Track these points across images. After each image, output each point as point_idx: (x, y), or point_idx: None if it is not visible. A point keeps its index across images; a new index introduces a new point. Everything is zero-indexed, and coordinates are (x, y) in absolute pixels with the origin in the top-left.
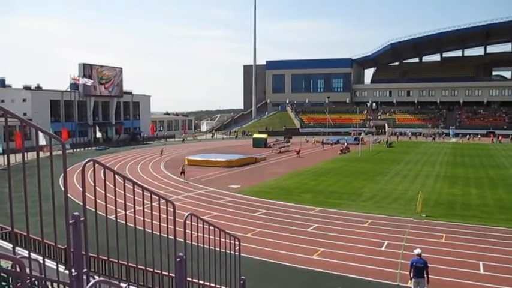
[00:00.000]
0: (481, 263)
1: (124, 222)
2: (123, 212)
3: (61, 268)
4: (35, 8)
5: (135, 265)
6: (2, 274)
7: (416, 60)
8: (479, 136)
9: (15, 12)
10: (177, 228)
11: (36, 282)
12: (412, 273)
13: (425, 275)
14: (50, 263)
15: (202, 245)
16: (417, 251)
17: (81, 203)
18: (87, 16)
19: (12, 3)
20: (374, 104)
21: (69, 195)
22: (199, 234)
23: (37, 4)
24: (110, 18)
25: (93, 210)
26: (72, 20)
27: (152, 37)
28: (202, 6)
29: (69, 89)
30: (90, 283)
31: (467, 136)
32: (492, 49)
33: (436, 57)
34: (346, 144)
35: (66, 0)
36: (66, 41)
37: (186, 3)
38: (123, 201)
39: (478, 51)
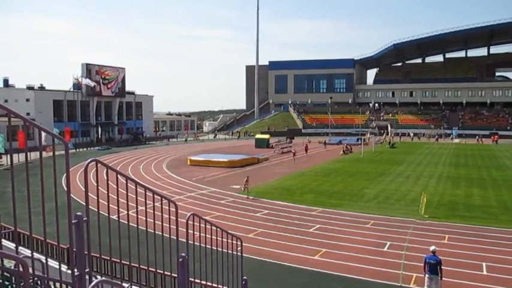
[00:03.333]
0: (483, 264)
1: (126, 222)
2: (126, 212)
3: (64, 268)
4: (38, 8)
5: (137, 265)
6: (5, 274)
7: (419, 60)
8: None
9: (17, 13)
10: (179, 228)
11: (38, 282)
12: (426, 269)
13: (438, 272)
14: (53, 263)
15: (204, 245)
16: (432, 248)
17: (84, 203)
18: (90, 16)
19: (15, 3)
20: (377, 105)
21: (72, 195)
22: (201, 234)
23: (40, 5)
24: (113, 19)
25: (96, 210)
26: (75, 20)
27: (155, 37)
28: (205, 7)
29: (72, 89)
30: (93, 283)
31: (477, 137)
32: (495, 50)
33: (439, 58)
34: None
35: (69, 1)
36: (69, 41)
37: (189, 3)
38: (125, 201)
39: (481, 51)
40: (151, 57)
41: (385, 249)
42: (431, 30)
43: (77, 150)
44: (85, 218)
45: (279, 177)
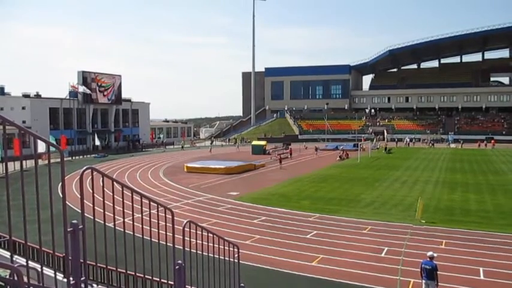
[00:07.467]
0: (481, 268)
1: (122, 230)
2: (122, 220)
3: (59, 276)
4: (34, 15)
5: (133, 273)
6: (0, 283)
7: (415, 66)
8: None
9: (14, 20)
10: (175, 235)
11: None
12: (422, 275)
13: (435, 278)
14: (48, 272)
15: (201, 253)
16: (429, 253)
17: (80, 211)
18: (86, 24)
19: (12, 11)
20: (373, 110)
21: (67, 203)
22: (198, 241)
23: (36, 12)
24: (109, 26)
25: (92, 218)
26: (72, 28)
27: (151, 44)
28: (202, 13)
29: (68, 97)
30: None
31: (485, 141)
32: (490, 55)
33: (434, 63)
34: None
35: (66, 8)
36: (65, 48)
37: (185, 10)
38: (121, 209)
39: (475, 57)
40: (148, 64)
41: (383, 254)
42: (426, 35)
43: (73, 158)
44: (81, 226)
45: (276, 183)
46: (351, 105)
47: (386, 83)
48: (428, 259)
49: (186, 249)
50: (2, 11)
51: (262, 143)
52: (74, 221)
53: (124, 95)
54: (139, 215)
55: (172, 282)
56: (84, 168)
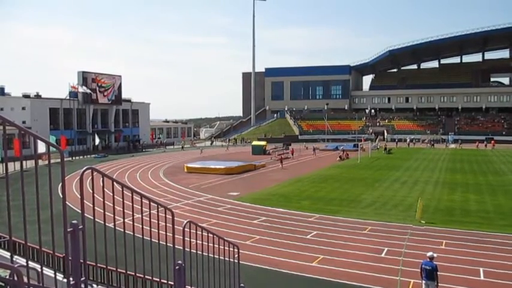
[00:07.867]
0: (481, 269)
1: (122, 230)
2: (122, 220)
3: (59, 277)
4: (34, 15)
5: (133, 273)
6: (0, 283)
7: (415, 66)
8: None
9: (14, 20)
10: (175, 235)
11: None
12: (422, 275)
13: (435, 278)
14: (48, 272)
15: (201, 253)
16: (429, 254)
17: (80, 211)
18: (86, 24)
19: (12, 11)
20: (373, 111)
21: (68, 203)
22: (198, 241)
23: (37, 12)
24: (109, 26)
25: (92, 218)
26: (72, 29)
27: (151, 44)
28: (202, 13)
29: (68, 97)
30: None
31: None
32: (490, 55)
33: (434, 64)
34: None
35: (66, 8)
36: (65, 49)
37: (185, 10)
38: (121, 209)
39: (476, 57)
40: (148, 64)
41: (383, 255)
42: (426, 36)
43: (73, 158)
44: (80, 226)
45: (276, 183)
46: (351, 106)
47: (386, 84)
48: (428, 259)
49: (186, 249)
50: (2, 11)
51: (263, 143)
52: (74, 221)
53: (124, 95)
54: (140, 215)
55: (172, 283)
56: (84, 168)
